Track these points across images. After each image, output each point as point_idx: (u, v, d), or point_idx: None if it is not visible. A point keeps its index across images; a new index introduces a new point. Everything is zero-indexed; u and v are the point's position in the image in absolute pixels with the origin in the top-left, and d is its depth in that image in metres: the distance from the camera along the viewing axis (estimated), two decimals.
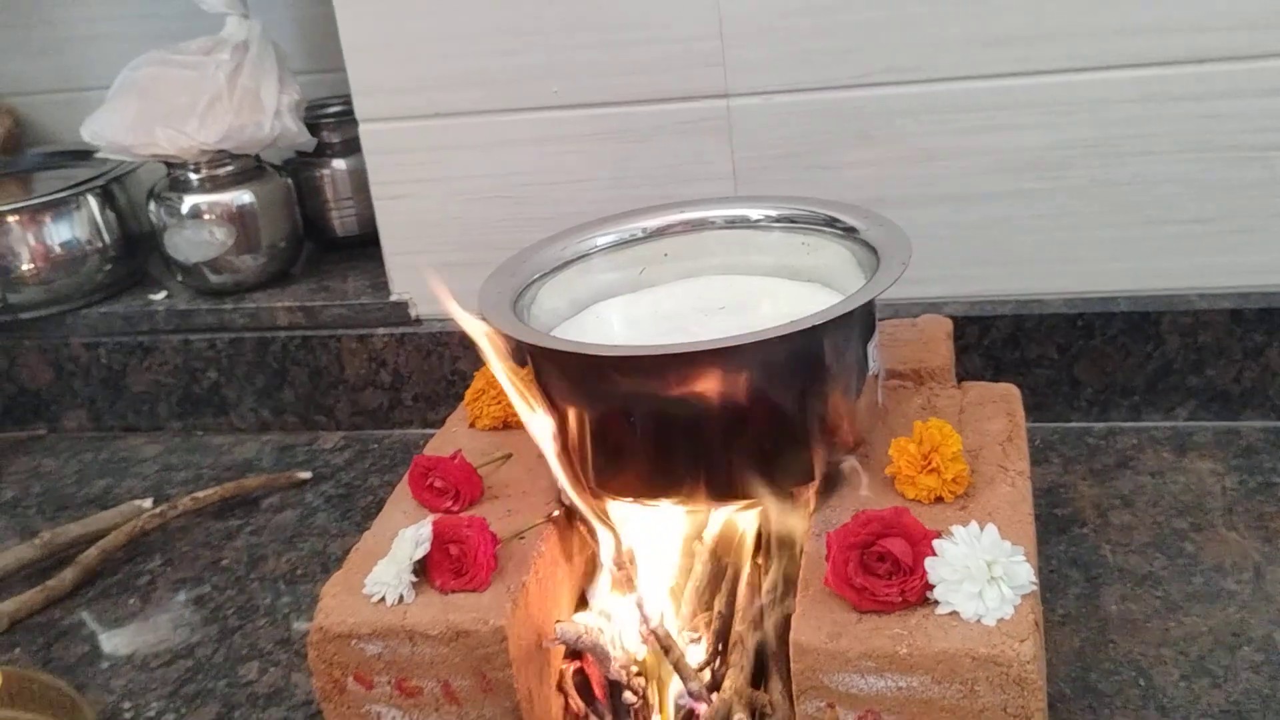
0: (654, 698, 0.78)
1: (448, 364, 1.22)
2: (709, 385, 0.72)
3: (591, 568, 0.84)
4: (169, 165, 1.28)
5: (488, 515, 0.79)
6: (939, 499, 0.75)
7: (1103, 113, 1.02)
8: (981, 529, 0.68)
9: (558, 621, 0.78)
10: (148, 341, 1.30)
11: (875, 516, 0.68)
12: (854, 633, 0.66)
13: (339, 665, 0.75)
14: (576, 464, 0.78)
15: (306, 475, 1.20)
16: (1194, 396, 1.07)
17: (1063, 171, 1.05)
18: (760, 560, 0.79)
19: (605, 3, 1.07)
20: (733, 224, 0.91)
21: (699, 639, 0.78)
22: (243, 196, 1.28)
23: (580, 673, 0.80)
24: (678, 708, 0.75)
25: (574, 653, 0.80)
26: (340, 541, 1.08)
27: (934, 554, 0.67)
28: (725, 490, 0.75)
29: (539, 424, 0.76)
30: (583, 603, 0.84)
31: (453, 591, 0.74)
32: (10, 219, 1.29)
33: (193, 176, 1.27)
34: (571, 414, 0.77)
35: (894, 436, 0.78)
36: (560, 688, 0.79)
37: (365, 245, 1.32)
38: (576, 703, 0.79)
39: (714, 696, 0.73)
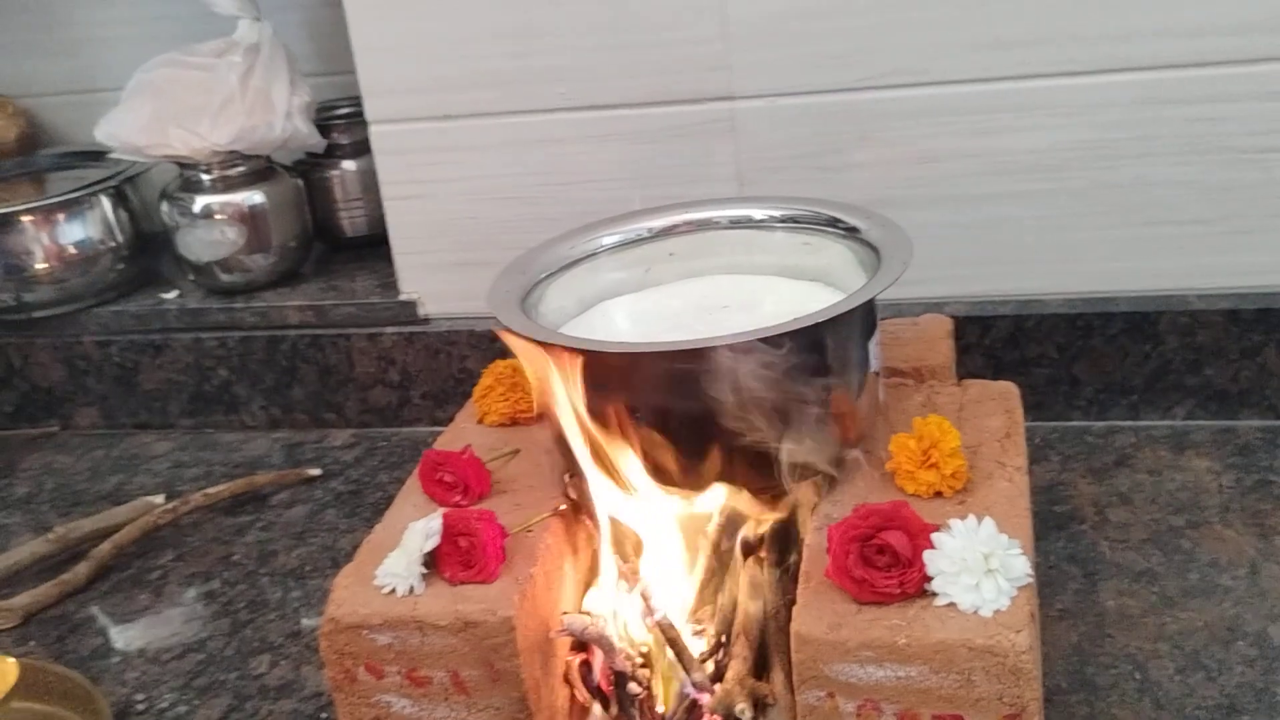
0: (658, 688, 0.79)
1: (455, 363, 1.24)
2: (712, 381, 0.73)
3: (598, 560, 0.85)
4: (181, 166, 1.29)
5: (496, 509, 0.80)
6: (938, 494, 0.77)
7: (1102, 115, 1.03)
8: (979, 522, 0.70)
9: (564, 613, 0.80)
10: (159, 340, 1.32)
11: (875, 510, 0.70)
12: (854, 624, 0.68)
13: (350, 655, 0.76)
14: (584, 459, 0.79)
15: (316, 472, 1.21)
16: (1192, 396, 1.09)
17: (1062, 173, 1.06)
18: (763, 553, 0.80)
19: (612, 6, 1.09)
20: (737, 224, 0.93)
21: (703, 630, 0.80)
22: (254, 197, 1.29)
23: (586, 664, 0.81)
24: (681, 698, 0.76)
25: (580, 644, 0.82)
26: (349, 537, 1.10)
27: (932, 547, 0.69)
28: (729, 484, 0.77)
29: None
30: (590, 594, 0.85)
31: (462, 583, 0.75)
32: (24, 219, 1.31)
33: (204, 177, 1.29)
34: (579, 409, 0.78)
35: (895, 433, 0.79)
36: (566, 678, 0.81)
37: (374, 245, 1.34)
38: (582, 693, 0.80)
39: (717, 687, 0.75)
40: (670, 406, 0.75)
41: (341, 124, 1.35)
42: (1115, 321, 1.08)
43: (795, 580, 0.73)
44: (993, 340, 1.10)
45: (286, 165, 1.36)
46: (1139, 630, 0.86)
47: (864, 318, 0.78)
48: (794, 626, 0.68)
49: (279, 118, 1.25)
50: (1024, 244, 1.09)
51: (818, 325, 0.73)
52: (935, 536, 0.69)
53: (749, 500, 0.78)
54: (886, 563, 0.69)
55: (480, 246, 1.19)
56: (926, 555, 0.68)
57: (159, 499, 1.18)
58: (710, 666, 0.77)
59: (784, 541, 0.80)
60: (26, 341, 1.35)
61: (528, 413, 0.93)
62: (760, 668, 0.77)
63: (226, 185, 1.29)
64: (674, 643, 0.75)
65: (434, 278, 1.23)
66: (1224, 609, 0.86)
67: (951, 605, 0.67)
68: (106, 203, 1.34)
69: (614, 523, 0.80)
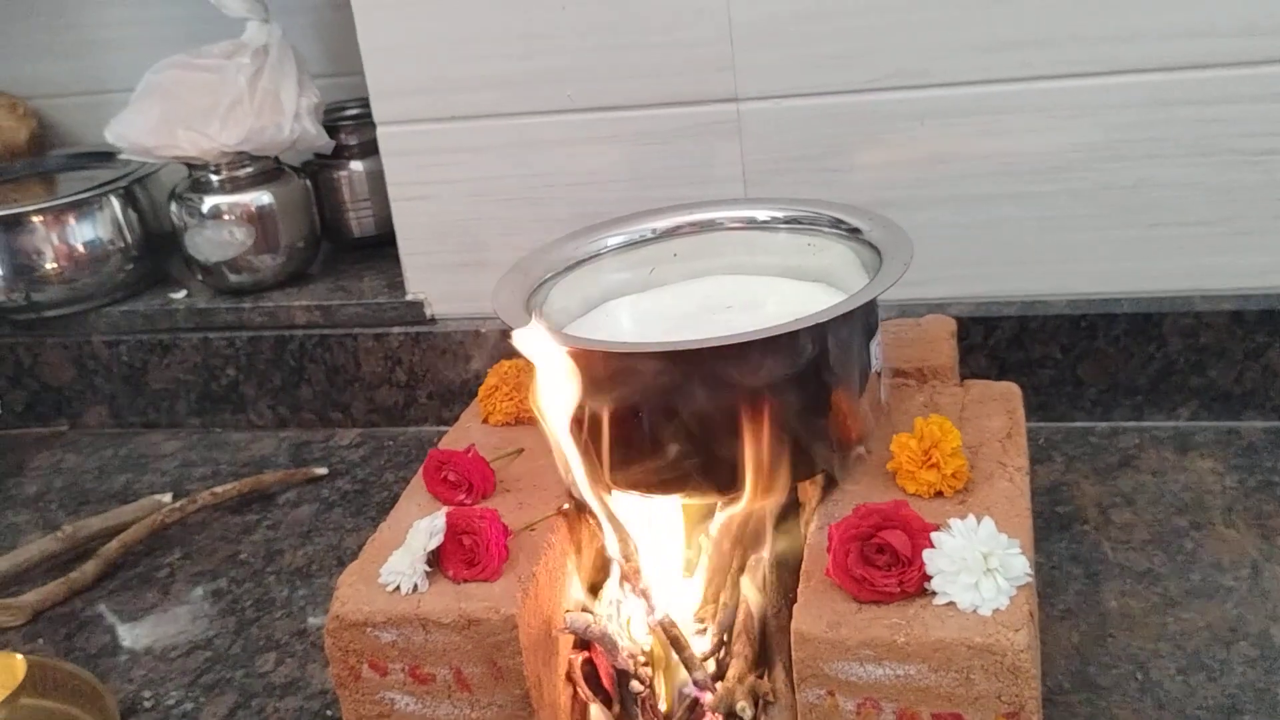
0: (660, 686, 0.80)
1: (462, 363, 1.24)
2: (714, 381, 0.74)
3: (601, 559, 0.86)
4: (190, 167, 1.30)
5: (500, 508, 0.81)
6: (939, 493, 0.77)
7: (1105, 117, 1.04)
8: (979, 522, 0.70)
9: (567, 611, 0.80)
10: (168, 340, 1.33)
11: (875, 509, 0.70)
12: (854, 622, 0.68)
13: (354, 652, 0.77)
14: (586, 458, 0.80)
15: (323, 471, 1.22)
16: (1195, 397, 1.09)
17: (1066, 175, 1.06)
18: (765, 551, 0.81)
19: (618, 8, 1.09)
20: (740, 225, 0.93)
21: (704, 629, 0.80)
22: (262, 197, 1.30)
23: (589, 662, 0.82)
24: (682, 696, 0.77)
25: (583, 642, 0.82)
26: (355, 536, 1.10)
27: (932, 546, 0.69)
28: (731, 484, 0.77)
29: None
30: (592, 593, 0.86)
31: (465, 581, 0.76)
32: (34, 219, 1.31)
33: (213, 178, 1.29)
34: (580, 408, 0.79)
35: (897, 432, 0.80)
36: (569, 677, 0.81)
37: (382, 245, 1.34)
38: (585, 691, 0.81)
39: (718, 685, 0.75)
40: (672, 406, 0.75)
41: (350, 125, 1.36)
42: (1119, 322, 1.08)
43: (796, 579, 0.74)
44: (997, 341, 1.11)
45: (295, 166, 1.36)
46: (1141, 630, 0.86)
47: (865, 318, 0.78)
48: (794, 625, 0.69)
49: (287, 119, 1.25)
50: (1028, 245, 1.09)
51: (819, 326, 0.73)
52: (935, 536, 0.69)
53: (751, 499, 0.79)
54: (886, 562, 0.69)
55: (487, 247, 1.20)
56: (926, 554, 0.69)
57: (167, 498, 1.18)
58: (711, 665, 0.78)
59: (786, 540, 0.81)
60: (36, 341, 1.36)
61: (531, 412, 0.93)
62: (761, 666, 0.78)
63: (235, 186, 1.29)
64: (675, 641, 0.76)
65: (441, 278, 1.24)
66: (1226, 609, 0.87)
67: (951, 604, 0.68)
68: (116, 203, 1.35)
69: (617, 522, 0.80)
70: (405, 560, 0.76)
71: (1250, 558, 0.91)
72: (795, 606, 0.70)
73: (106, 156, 1.42)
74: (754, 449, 0.75)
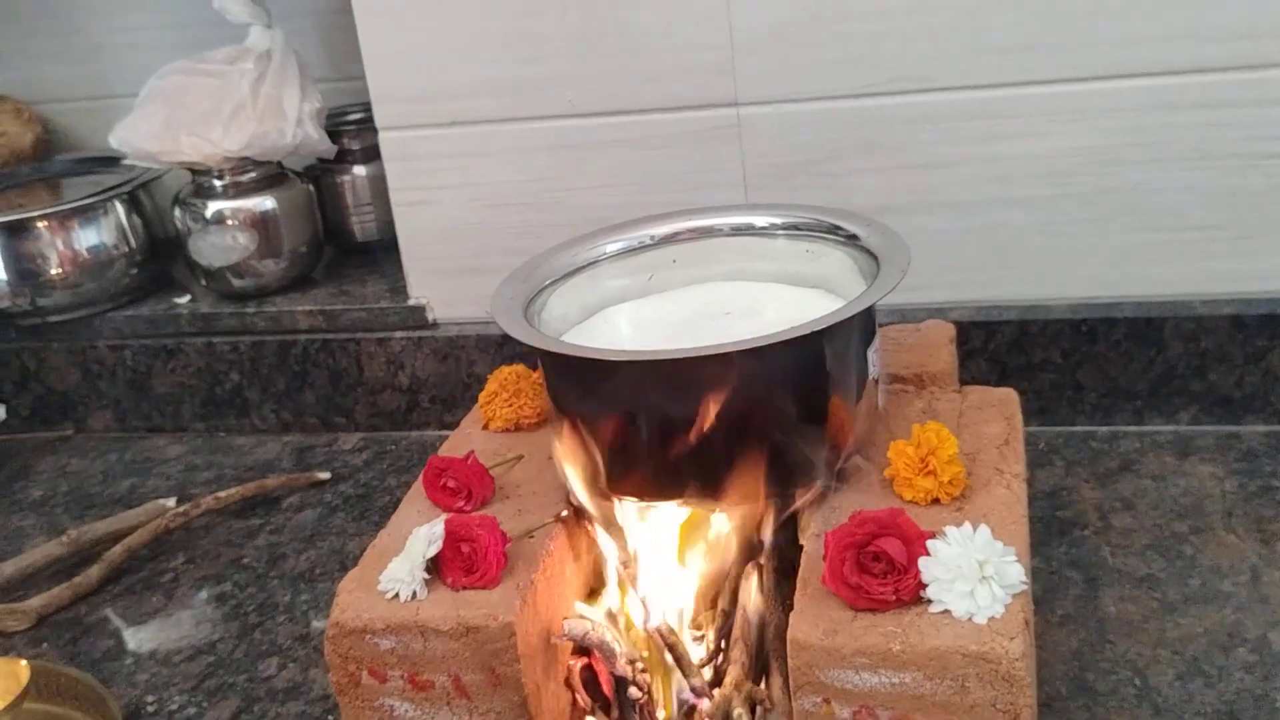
0: (659, 693, 0.80)
1: (464, 367, 1.25)
2: (711, 389, 0.74)
3: (599, 566, 0.86)
4: (194, 172, 1.31)
5: (499, 515, 0.81)
6: (936, 500, 0.77)
7: (1106, 121, 1.04)
8: (974, 530, 0.70)
9: (565, 618, 0.81)
10: (172, 344, 1.33)
11: (871, 517, 0.70)
12: (849, 630, 0.68)
13: (354, 659, 0.77)
14: (585, 465, 0.80)
15: (326, 476, 1.22)
16: (1196, 401, 1.09)
17: (1067, 179, 1.06)
18: (762, 559, 0.81)
19: (619, 13, 1.10)
20: (739, 231, 0.93)
21: (702, 636, 0.80)
22: (265, 202, 1.30)
23: (588, 668, 0.82)
24: (680, 702, 0.77)
25: (582, 648, 0.83)
26: (358, 541, 1.11)
27: (928, 554, 0.69)
28: (728, 491, 0.77)
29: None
30: (591, 599, 0.86)
31: (464, 588, 0.76)
32: (40, 224, 1.32)
33: (217, 183, 1.30)
34: (580, 417, 0.79)
35: (894, 439, 0.80)
36: (568, 683, 0.81)
37: (385, 250, 1.35)
38: (583, 697, 0.81)
39: (715, 692, 0.75)
40: (668, 414, 0.75)
41: (352, 129, 1.37)
42: (1119, 327, 1.08)
43: (794, 585, 0.74)
44: (997, 345, 1.11)
45: (298, 171, 1.37)
46: (1139, 636, 0.86)
47: (862, 326, 0.79)
48: (790, 633, 0.69)
49: (290, 124, 1.26)
50: (1028, 249, 1.09)
51: (815, 334, 0.73)
52: (931, 544, 0.70)
53: (748, 506, 0.79)
54: (882, 570, 0.69)
55: (488, 252, 1.20)
56: (922, 562, 0.69)
57: (171, 502, 1.19)
58: (709, 672, 0.78)
59: (783, 547, 0.81)
60: (42, 346, 1.37)
61: (531, 418, 0.94)
62: (758, 673, 0.78)
63: (238, 191, 1.30)
64: (673, 648, 0.76)
65: (443, 283, 1.24)
66: (1225, 615, 0.87)
67: (946, 612, 0.68)
68: (120, 208, 1.35)
69: (615, 529, 0.81)
70: (404, 568, 0.77)
71: (1250, 563, 0.91)
72: (791, 614, 0.70)
73: (112, 161, 1.42)
74: (750, 456, 0.75)
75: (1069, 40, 1.02)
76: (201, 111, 1.25)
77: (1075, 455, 1.08)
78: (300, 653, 0.97)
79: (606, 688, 0.81)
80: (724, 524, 0.81)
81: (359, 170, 1.37)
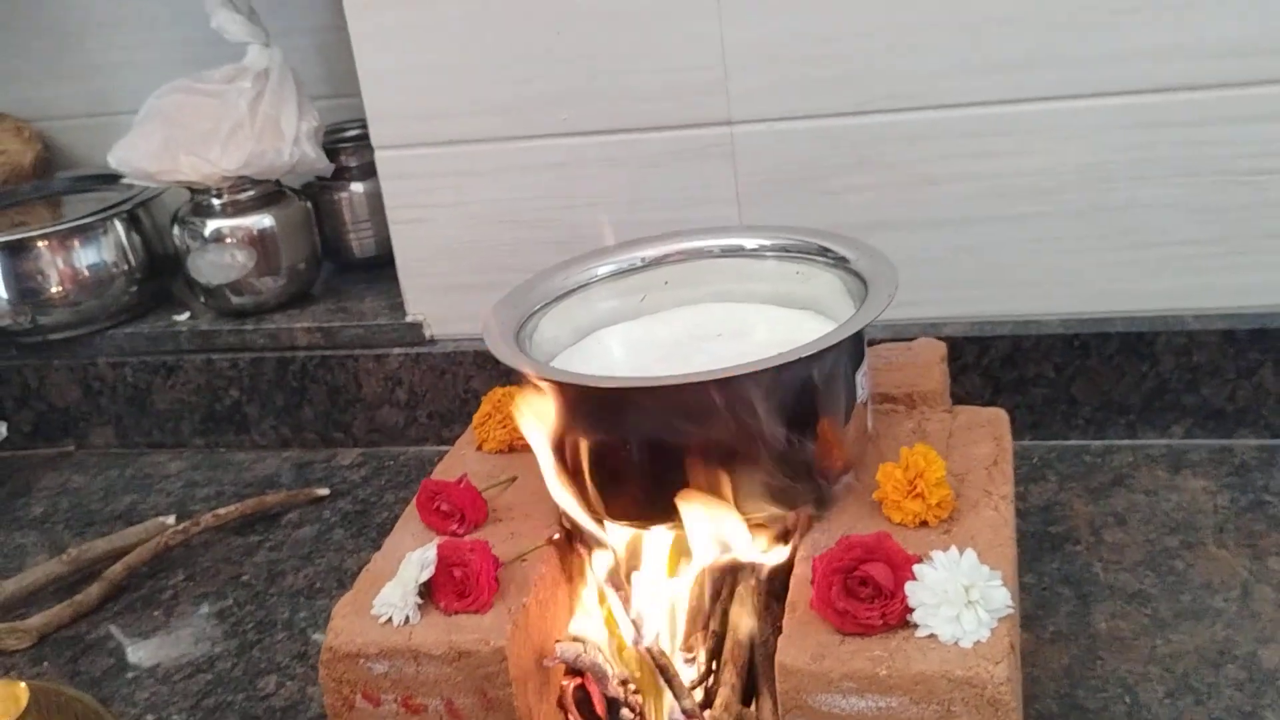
0: (651, 714, 0.81)
1: (461, 383, 1.25)
2: (700, 414, 0.74)
3: (592, 588, 0.87)
4: (192, 190, 1.32)
5: (492, 537, 0.82)
6: (924, 523, 0.78)
7: (1096, 138, 1.04)
8: (961, 554, 0.71)
9: (557, 641, 0.81)
10: (172, 361, 1.34)
11: (858, 542, 0.71)
12: (836, 654, 0.69)
13: (348, 683, 0.78)
14: (576, 489, 0.81)
15: (324, 492, 1.23)
16: (1189, 415, 1.09)
17: (1058, 196, 1.07)
18: (752, 581, 0.82)
19: (612, 33, 1.10)
20: (729, 253, 0.94)
21: (693, 658, 0.81)
22: (263, 220, 1.31)
23: (581, 689, 0.83)
24: None
25: (575, 669, 0.83)
26: (356, 557, 1.11)
27: (914, 578, 0.70)
28: (718, 513, 0.78)
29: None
30: (584, 620, 0.87)
31: (456, 613, 0.77)
32: (40, 243, 1.33)
33: (215, 201, 1.31)
34: (570, 440, 0.80)
35: (884, 460, 0.80)
36: (561, 704, 0.82)
37: (383, 266, 1.35)
38: (576, 719, 0.82)
39: (706, 714, 0.76)
40: (659, 438, 0.76)
41: (350, 147, 1.37)
42: (1112, 341, 1.08)
43: (784, 608, 0.75)
44: (990, 360, 1.11)
45: (295, 188, 1.38)
46: (1130, 653, 0.86)
47: (851, 350, 0.79)
48: (778, 657, 0.70)
49: (287, 143, 1.26)
50: (1020, 265, 1.10)
51: (804, 359, 0.74)
52: (917, 568, 0.70)
53: (739, 529, 0.79)
54: (869, 594, 0.70)
55: (484, 269, 1.21)
56: (908, 587, 0.70)
57: (171, 519, 1.20)
58: (700, 694, 0.78)
59: (773, 570, 0.82)
60: (43, 363, 1.38)
61: (525, 440, 0.95)
62: (749, 694, 0.78)
63: (236, 209, 1.31)
64: (664, 670, 0.77)
65: (439, 299, 1.25)
66: (1215, 631, 0.87)
67: (932, 636, 0.69)
68: (120, 227, 1.36)
69: (607, 551, 0.81)
70: (397, 592, 0.78)
71: (1241, 578, 0.92)
72: (780, 638, 0.71)
73: (112, 179, 1.43)
74: (741, 481, 0.76)
75: (1061, 58, 1.02)
76: (199, 131, 1.26)
77: (1068, 469, 1.09)
78: (299, 670, 0.97)
79: (599, 709, 0.82)
80: (714, 546, 0.81)
81: (357, 187, 1.38)
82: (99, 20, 1.49)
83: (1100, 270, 1.08)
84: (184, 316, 1.37)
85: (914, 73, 1.06)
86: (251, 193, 1.31)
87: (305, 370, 1.30)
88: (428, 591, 0.78)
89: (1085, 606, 0.91)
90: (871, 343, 1.01)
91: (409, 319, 1.27)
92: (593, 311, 0.93)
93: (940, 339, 1.03)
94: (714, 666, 0.80)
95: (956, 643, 0.68)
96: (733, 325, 0.90)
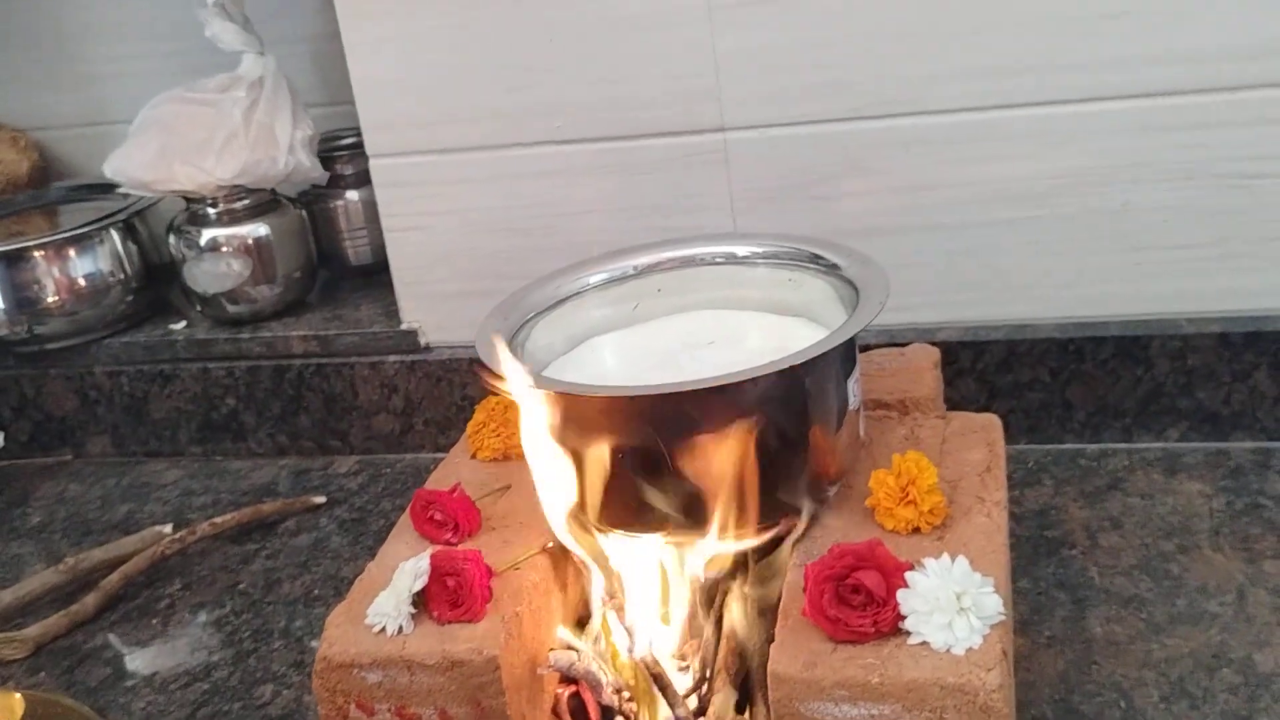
0: None
1: (457, 390, 1.26)
2: (691, 423, 0.74)
3: (585, 596, 0.87)
4: (188, 200, 1.32)
5: (486, 546, 0.82)
6: (916, 530, 0.78)
7: (1090, 143, 1.04)
8: (953, 561, 0.71)
9: (551, 649, 0.81)
10: (168, 370, 1.34)
11: (850, 550, 0.71)
12: (829, 662, 0.69)
13: (342, 693, 0.78)
14: (570, 497, 0.81)
15: (321, 500, 1.23)
16: (1184, 418, 1.09)
17: (1052, 200, 1.07)
18: (746, 589, 0.82)
19: (605, 41, 1.10)
20: (721, 260, 0.94)
21: (687, 666, 0.81)
22: (259, 229, 1.31)
23: (575, 697, 0.83)
24: None
25: (569, 677, 0.83)
26: (353, 565, 1.11)
27: (906, 585, 0.70)
28: (711, 521, 0.78)
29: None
30: (579, 628, 0.87)
31: (449, 622, 0.77)
32: (36, 253, 1.33)
33: (210, 210, 1.31)
34: (563, 450, 0.80)
35: (876, 467, 0.80)
36: (555, 712, 0.82)
37: (378, 273, 1.35)
38: None
39: None
40: (651, 447, 0.76)
41: (345, 154, 1.37)
42: (1107, 345, 1.08)
43: (777, 616, 0.75)
44: (985, 365, 1.11)
45: (291, 197, 1.38)
46: (1126, 658, 0.86)
47: (842, 357, 0.79)
48: (770, 665, 0.70)
49: (282, 152, 1.27)
50: (1015, 270, 1.10)
51: (795, 368, 0.74)
52: (909, 575, 0.70)
53: (732, 537, 0.79)
54: (861, 602, 0.70)
55: (479, 277, 1.21)
56: (900, 594, 0.70)
57: (167, 528, 1.20)
58: (694, 701, 0.78)
59: (767, 577, 0.82)
60: (39, 373, 1.38)
61: (519, 448, 0.95)
62: (743, 702, 0.78)
63: (232, 218, 1.31)
64: (658, 678, 0.77)
65: (434, 307, 1.25)
66: (1210, 635, 0.87)
67: (924, 644, 0.69)
68: (116, 236, 1.36)
69: (600, 559, 0.81)
70: (391, 602, 0.78)
71: (1236, 582, 0.92)
72: (772, 646, 0.71)
73: (108, 189, 1.43)
74: (732, 488, 0.76)
75: (1053, 63, 1.02)
76: (194, 140, 1.26)
77: (1064, 473, 1.09)
78: (295, 679, 0.97)
79: (594, 717, 0.82)
80: (707, 555, 0.81)
81: (352, 195, 1.38)
82: (94, 30, 1.49)
83: (1094, 274, 1.09)
84: (180, 325, 1.37)
85: (906, 78, 1.06)
86: (247, 201, 1.31)
87: (301, 378, 1.30)
88: (421, 601, 0.78)
89: (1081, 611, 0.91)
90: (865, 348, 1.02)
91: (404, 326, 1.27)
92: (585, 319, 0.93)
93: (935, 344, 1.03)
94: (708, 674, 0.80)
95: (949, 650, 0.68)
96: (725, 333, 0.90)
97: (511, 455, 0.95)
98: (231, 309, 1.33)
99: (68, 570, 1.13)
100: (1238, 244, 1.05)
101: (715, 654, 0.80)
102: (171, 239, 1.33)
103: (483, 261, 1.20)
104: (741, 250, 0.94)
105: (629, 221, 1.15)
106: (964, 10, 1.03)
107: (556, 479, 0.78)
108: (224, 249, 1.31)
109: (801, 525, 0.81)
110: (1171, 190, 1.04)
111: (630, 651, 0.78)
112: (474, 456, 0.97)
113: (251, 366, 1.31)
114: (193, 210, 1.32)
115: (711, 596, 0.83)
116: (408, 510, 0.88)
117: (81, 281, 1.35)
